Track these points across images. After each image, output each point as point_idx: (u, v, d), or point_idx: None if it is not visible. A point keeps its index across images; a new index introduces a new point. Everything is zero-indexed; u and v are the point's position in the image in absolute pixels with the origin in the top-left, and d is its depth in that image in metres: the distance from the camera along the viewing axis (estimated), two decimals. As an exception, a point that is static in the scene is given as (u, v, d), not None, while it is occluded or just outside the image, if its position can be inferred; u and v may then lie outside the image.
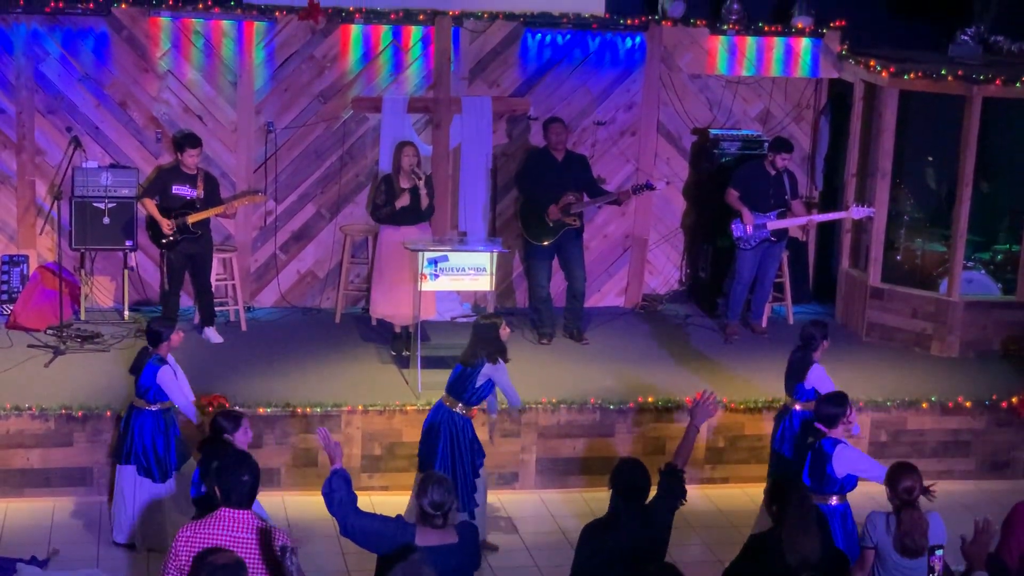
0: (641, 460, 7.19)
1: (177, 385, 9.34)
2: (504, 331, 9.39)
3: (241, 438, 8.22)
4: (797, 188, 12.50)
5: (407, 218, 11.60)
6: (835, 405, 8.47)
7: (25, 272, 12.20)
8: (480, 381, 9.28)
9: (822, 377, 9.59)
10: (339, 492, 6.89)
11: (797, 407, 9.62)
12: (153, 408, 9.32)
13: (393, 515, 6.89)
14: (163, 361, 9.28)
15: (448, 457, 9.22)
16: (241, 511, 6.56)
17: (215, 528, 6.52)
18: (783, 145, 12.24)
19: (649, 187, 12.23)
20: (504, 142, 13.02)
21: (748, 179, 12.29)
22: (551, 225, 12.02)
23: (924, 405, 11.12)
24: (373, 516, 6.87)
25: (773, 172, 12.22)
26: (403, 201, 11.50)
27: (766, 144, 12.72)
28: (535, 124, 12.90)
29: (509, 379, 9.44)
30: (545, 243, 12.11)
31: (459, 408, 9.31)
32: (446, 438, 9.25)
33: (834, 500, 8.40)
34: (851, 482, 8.41)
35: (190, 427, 9.66)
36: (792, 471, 9.50)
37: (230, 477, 6.60)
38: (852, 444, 8.59)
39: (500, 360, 9.34)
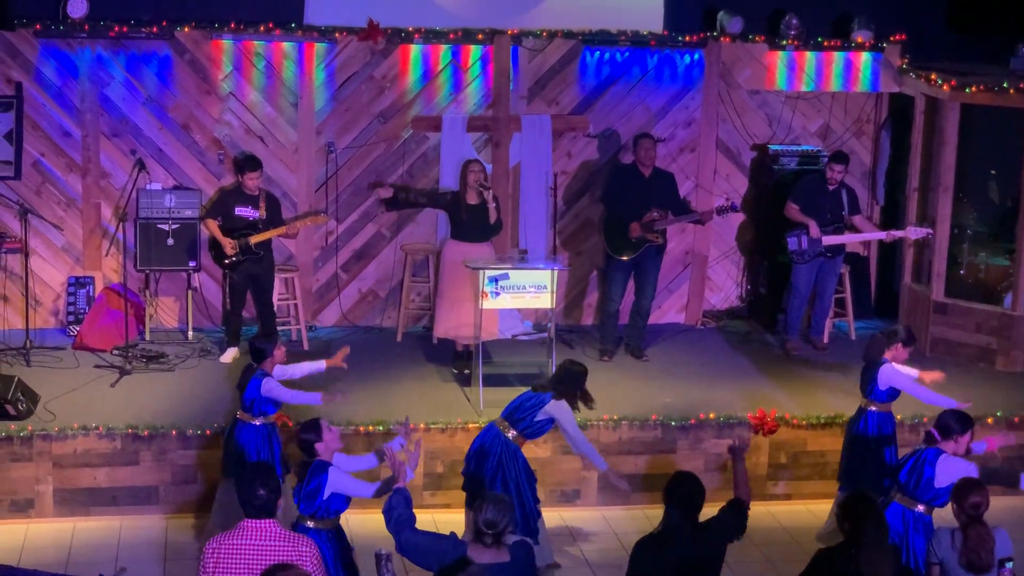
0: (699, 476, 7.17)
1: (284, 390, 9.25)
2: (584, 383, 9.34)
3: (331, 443, 8.00)
4: (857, 204, 12.46)
5: (475, 235, 11.66)
6: (957, 421, 8.26)
7: (91, 293, 12.35)
8: (540, 416, 9.21)
9: (891, 374, 9.52)
10: (397, 510, 6.97)
11: (872, 408, 9.61)
12: (256, 422, 9.32)
13: (460, 534, 6.93)
14: (267, 374, 9.27)
15: (498, 483, 9.16)
16: (262, 520, 6.65)
17: (240, 539, 6.62)
18: (836, 157, 12.24)
19: (734, 208, 12.25)
20: (564, 160, 13.05)
21: (807, 193, 12.28)
22: (633, 240, 12.02)
23: (989, 420, 11.02)
24: (427, 533, 6.93)
25: (832, 187, 12.19)
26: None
27: (825, 159, 12.69)
28: (594, 141, 12.96)
29: (577, 428, 9.27)
30: (625, 257, 12.11)
31: (511, 435, 9.26)
32: (493, 464, 9.21)
33: (920, 508, 8.25)
34: (943, 499, 8.24)
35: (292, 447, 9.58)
36: (869, 474, 9.52)
37: (246, 490, 6.70)
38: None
39: (566, 401, 9.22)
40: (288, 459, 9.40)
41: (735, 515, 7.22)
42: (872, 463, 9.65)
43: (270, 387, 9.23)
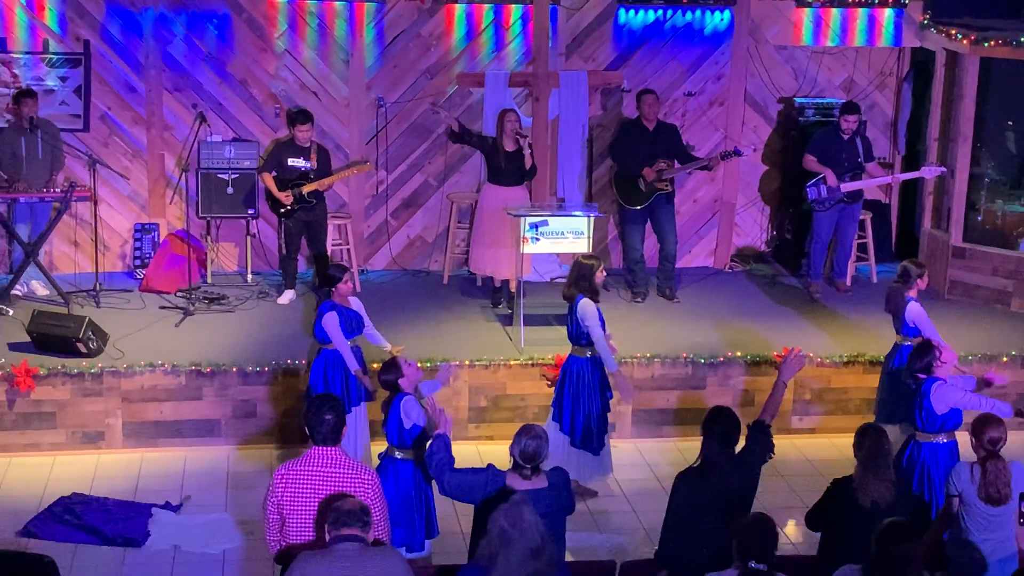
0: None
1: (338, 331, 9.12)
2: (600, 275, 9.23)
3: (412, 376, 7.87)
4: (872, 151, 12.28)
5: (511, 179, 11.54)
6: (922, 356, 8.24)
7: (156, 239, 12.33)
8: (580, 318, 9.16)
9: (918, 314, 9.40)
10: (438, 455, 6.88)
11: (907, 343, 9.46)
12: (331, 347, 9.24)
13: (498, 464, 6.85)
14: (334, 307, 9.17)
15: (570, 399, 9.26)
16: (328, 448, 6.61)
17: (306, 466, 6.60)
18: (847, 108, 12.05)
19: (737, 153, 12.11)
20: (599, 113, 12.90)
21: (822, 144, 12.11)
22: (644, 190, 11.90)
23: (1004, 359, 10.87)
24: (466, 470, 6.83)
25: (846, 137, 11.99)
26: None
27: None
28: (627, 96, 12.79)
29: (600, 329, 9.17)
30: (638, 207, 11.99)
31: (587, 353, 9.25)
32: (570, 383, 9.28)
33: (942, 438, 8.16)
34: (954, 419, 8.16)
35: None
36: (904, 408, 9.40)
37: (313, 417, 6.63)
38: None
39: (593, 300, 9.16)
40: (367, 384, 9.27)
41: (761, 438, 7.15)
42: (907, 397, 9.50)
43: (329, 324, 9.14)
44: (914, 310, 9.42)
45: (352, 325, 9.29)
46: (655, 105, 11.97)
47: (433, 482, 7.56)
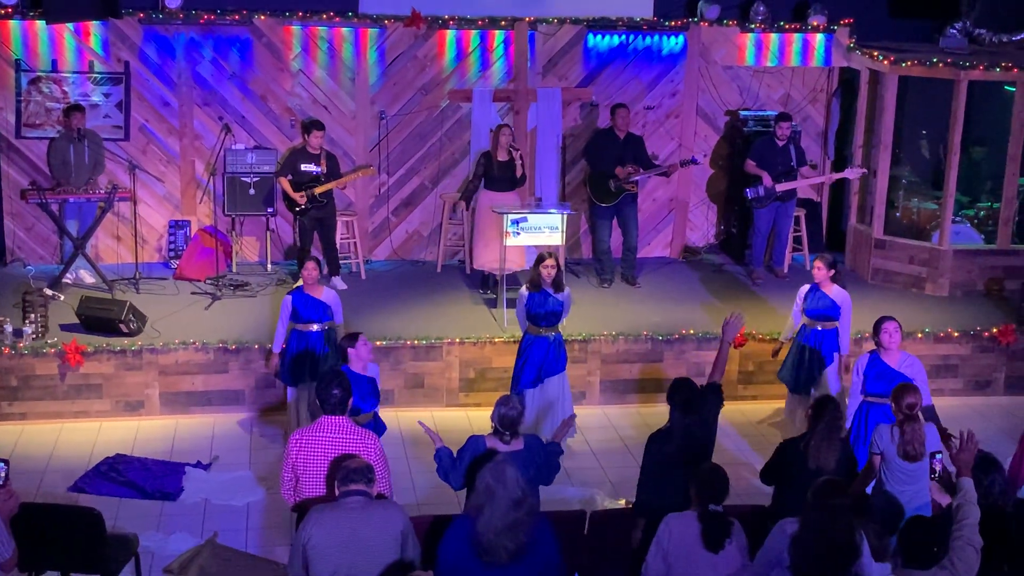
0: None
1: (283, 314, 9.00)
2: (544, 270, 9.11)
3: (363, 353, 7.84)
4: (804, 156, 12.27)
5: (504, 186, 11.48)
6: (873, 331, 8.51)
7: (188, 234, 12.24)
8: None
9: (798, 295, 9.58)
10: (442, 463, 6.81)
11: (815, 326, 9.59)
12: (313, 328, 9.04)
13: (482, 429, 6.81)
14: (295, 292, 9.03)
15: (526, 372, 9.28)
16: (336, 417, 6.60)
17: (318, 432, 6.59)
18: (780, 116, 12.07)
19: (694, 162, 12.10)
20: (571, 125, 12.84)
21: (760, 151, 12.10)
22: (613, 190, 11.85)
23: (919, 335, 10.89)
24: (458, 458, 6.76)
25: (781, 144, 11.98)
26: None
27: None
28: (595, 109, 12.74)
29: (519, 312, 9.33)
30: (608, 205, 11.95)
31: (541, 332, 9.27)
32: (526, 358, 9.30)
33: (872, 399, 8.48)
34: (872, 387, 8.40)
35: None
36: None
37: (323, 391, 6.64)
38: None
39: (533, 289, 9.15)
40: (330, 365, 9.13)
41: (714, 394, 7.24)
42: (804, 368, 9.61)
43: (283, 305, 9.03)
44: (799, 291, 9.58)
45: (311, 309, 9.03)
46: (627, 118, 11.94)
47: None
